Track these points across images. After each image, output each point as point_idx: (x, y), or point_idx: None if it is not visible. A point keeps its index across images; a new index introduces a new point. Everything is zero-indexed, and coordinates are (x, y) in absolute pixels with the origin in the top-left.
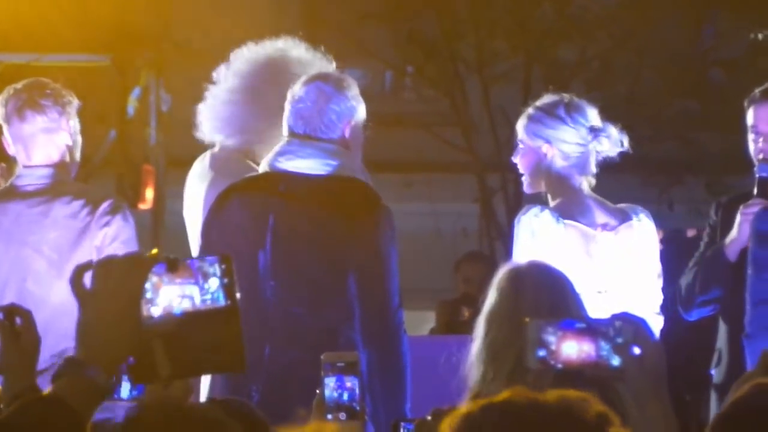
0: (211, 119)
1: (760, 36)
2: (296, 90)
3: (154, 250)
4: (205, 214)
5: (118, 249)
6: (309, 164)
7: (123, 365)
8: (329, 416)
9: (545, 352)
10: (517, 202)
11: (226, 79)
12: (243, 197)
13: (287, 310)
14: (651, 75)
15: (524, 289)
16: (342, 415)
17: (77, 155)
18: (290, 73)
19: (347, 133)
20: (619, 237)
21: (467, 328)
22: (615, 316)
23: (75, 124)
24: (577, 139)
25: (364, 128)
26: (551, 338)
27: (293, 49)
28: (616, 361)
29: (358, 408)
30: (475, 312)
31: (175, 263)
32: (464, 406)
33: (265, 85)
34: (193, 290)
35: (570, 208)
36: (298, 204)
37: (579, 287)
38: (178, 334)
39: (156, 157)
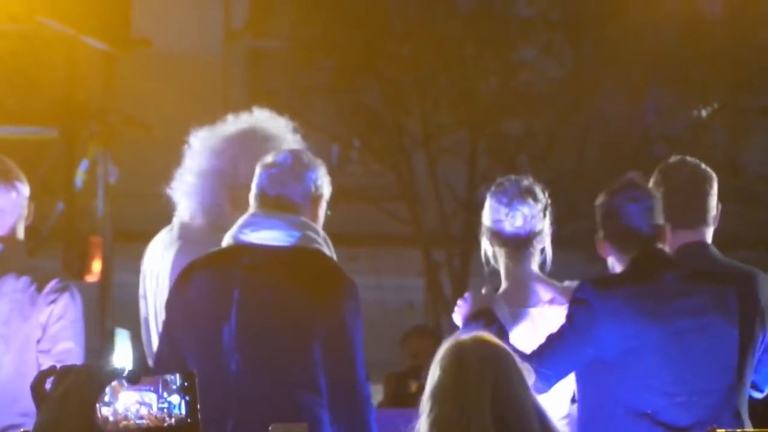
0: (185, 195)
1: (703, 113)
2: (271, 159)
3: (118, 366)
4: (169, 290)
5: (65, 328)
6: (274, 235)
7: None
8: None
9: None
10: (463, 276)
11: (199, 154)
12: (206, 272)
13: (252, 383)
14: (595, 150)
15: (468, 364)
16: None
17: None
18: (262, 146)
19: (320, 206)
20: (563, 314)
21: (415, 401)
22: None
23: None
24: (495, 217)
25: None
26: None
27: (264, 122)
28: None
29: None
30: (422, 386)
31: (137, 378)
32: None
33: (238, 159)
34: (152, 398)
35: (515, 294)
36: (262, 277)
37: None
38: None
39: (103, 229)
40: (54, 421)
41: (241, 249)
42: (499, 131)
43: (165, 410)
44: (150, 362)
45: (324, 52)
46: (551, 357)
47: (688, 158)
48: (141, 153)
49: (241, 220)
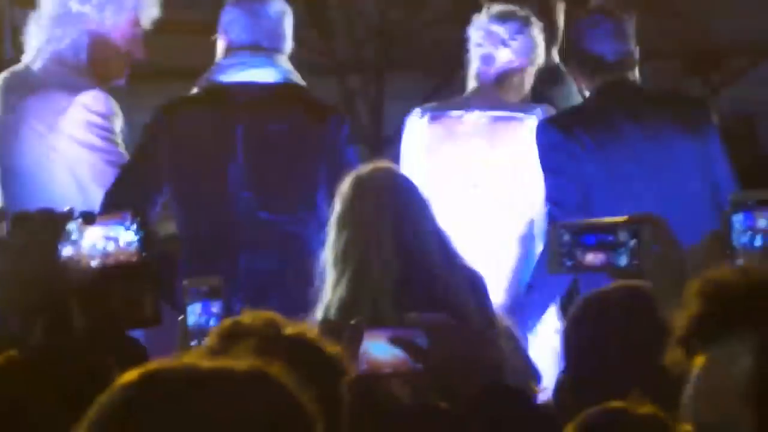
0: (37, 38)
1: None
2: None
3: (67, 208)
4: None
5: None
6: (264, 74)
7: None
8: (194, 342)
9: (570, 262)
10: (379, 101)
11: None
12: (197, 114)
13: (262, 220)
14: None
15: (365, 193)
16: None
17: None
18: None
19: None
20: (496, 126)
21: None
22: (632, 217)
23: None
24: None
25: None
26: (570, 247)
27: None
28: (623, 260)
29: None
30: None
31: (92, 218)
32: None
33: (102, 6)
34: (119, 231)
35: (456, 100)
36: (263, 113)
37: (443, 184)
38: (94, 289)
39: None
40: (15, 269)
41: (232, 89)
42: None
43: (133, 246)
44: None
45: None
46: (553, 196)
47: None
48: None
49: (222, 61)
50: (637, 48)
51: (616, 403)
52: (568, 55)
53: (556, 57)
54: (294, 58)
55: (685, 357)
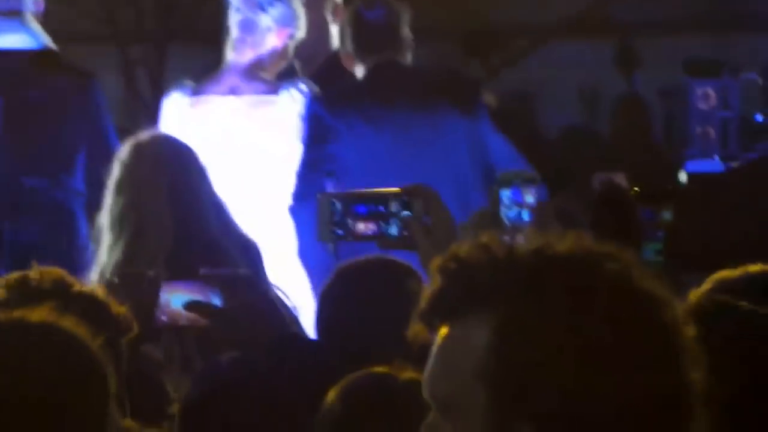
0: None
1: None
2: None
3: None
4: None
5: None
6: (15, 39)
7: None
8: None
9: (341, 231)
10: (160, 74)
11: None
12: None
13: (24, 187)
14: None
15: (142, 158)
16: None
17: None
18: None
19: (41, 6)
20: (252, 109)
21: None
22: (404, 189)
23: None
24: None
25: None
26: (342, 216)
27: None
28: (394, 231)
29: None
30: None
31: None
32: None
33: None
34: None
35: (214, 78)
36: (20, 81)
37: (207, 160)
38: None
39: None
40: None
41: None
42: None
43: None
44: None
45: None
46: (318, 167)
47: None
48: None
49: None
50: (410, 32)
51: (379, 368)
52: (342, 38)
53: (333, 40)
54: (73, 26)
55: (427, 332)
